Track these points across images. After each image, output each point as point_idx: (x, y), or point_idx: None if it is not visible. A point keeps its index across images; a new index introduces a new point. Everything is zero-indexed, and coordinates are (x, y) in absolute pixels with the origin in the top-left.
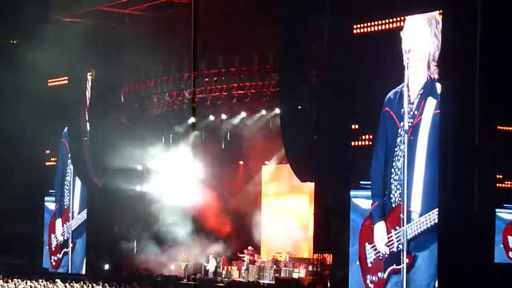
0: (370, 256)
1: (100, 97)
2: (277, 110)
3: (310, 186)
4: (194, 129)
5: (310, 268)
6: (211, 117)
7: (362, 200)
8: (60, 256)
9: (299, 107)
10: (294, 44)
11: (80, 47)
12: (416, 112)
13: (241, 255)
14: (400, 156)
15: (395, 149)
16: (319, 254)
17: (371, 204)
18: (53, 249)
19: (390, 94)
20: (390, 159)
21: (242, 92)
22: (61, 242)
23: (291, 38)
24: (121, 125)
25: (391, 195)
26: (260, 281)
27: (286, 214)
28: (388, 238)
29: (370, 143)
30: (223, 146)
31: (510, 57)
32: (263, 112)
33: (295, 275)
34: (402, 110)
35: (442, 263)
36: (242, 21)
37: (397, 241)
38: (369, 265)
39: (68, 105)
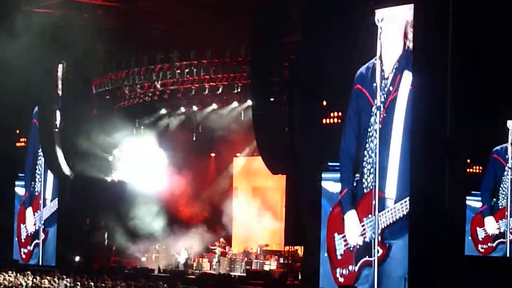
0: (340, 248)
1: (71, 89)
2: (249, 102)
3: (282, 178)
4: (165, 120)
5: (282, 260)
6: (183, 109)
7: (330, 183)
8: (31, 248)
9: (271, 99)
10: (266, 37)
11: (50, 38)
12: (391, 88)
13: (212, 247)
14: (374, 137)
15: (369, 129)
16: (290, 247)
17: (339, 190)
18: (23, 240)
19: (362, 69)
20: (363, 141)
21: (213, 84)
22: (32, 233)
23: (263, 31)
24: (92, 117)
25: (363, 180)
26: (231, 273)
27: (257, 206)
28: (361, 227)
29: (339, 120)
30: (194, 138)
31: (483, 40)
32: (235, 104)
33: (266, 267)
34: (375, 85)
35: (412, 253)
36: (215, 14)
37: (370, 231)
38: (339, 257)
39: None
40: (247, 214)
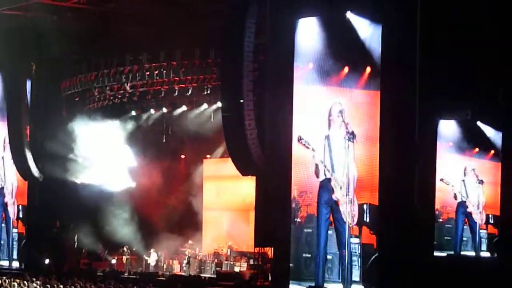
0: None
1: (40, 91)
2: (219, 104)
3: (252, 180)
4: (135, 122)
5: (252, 261)
6: (152, 111)
7: None
8: None
9: (241, 101)
10: (236, 39)
11: (20, 40)
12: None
13: (182, 249)
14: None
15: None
16: (260, 248)
17: None
18: None
19: None
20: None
21: (183, 85)
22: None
23: (232, 33)
24: (62, 118)
25: None
26: (201, 275)
27: (227, 208)
28: None
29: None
30: (164, 140)
31: (450, 48)
32: (205, 106)
33: (237, 269)
34: None
35: (382, 258)
36: (184, 15)
37: None
38: None
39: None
40: (217, 216)
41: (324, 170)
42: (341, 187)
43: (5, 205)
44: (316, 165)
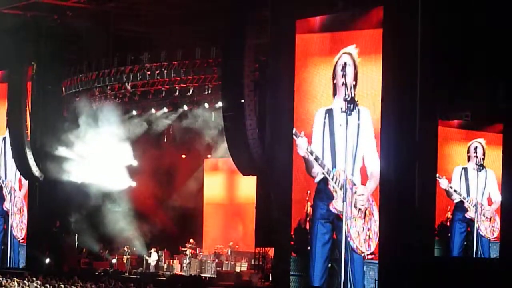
0: None
1: (41, 90)
2: (220, 104)
3: (252, 179)
4: (136, 122)
5: (252, 261)
6: (153, 110)
7: None
8: None
9: (242, 101)
10: (237, 38)
11: (20, 40)
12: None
13: (183, 249)
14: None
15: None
16: (261, 248)
17: None
18: None
19: None
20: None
21: (184, 85)
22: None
23: (233, 33)
24: (63, 118)
25: None
26: (202, 274)
27: (228, 208)
28: None
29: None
30: (165, 140)
31: (451, 49)
32: (206, 105)
33: (237, 269)
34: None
35: (382, 259)
36: (185, 15)
37: None
38: None
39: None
40: (218, 215)
41: (319, 165)
42: (345, 191)
43: (5, 214)
44: (305, 159)
